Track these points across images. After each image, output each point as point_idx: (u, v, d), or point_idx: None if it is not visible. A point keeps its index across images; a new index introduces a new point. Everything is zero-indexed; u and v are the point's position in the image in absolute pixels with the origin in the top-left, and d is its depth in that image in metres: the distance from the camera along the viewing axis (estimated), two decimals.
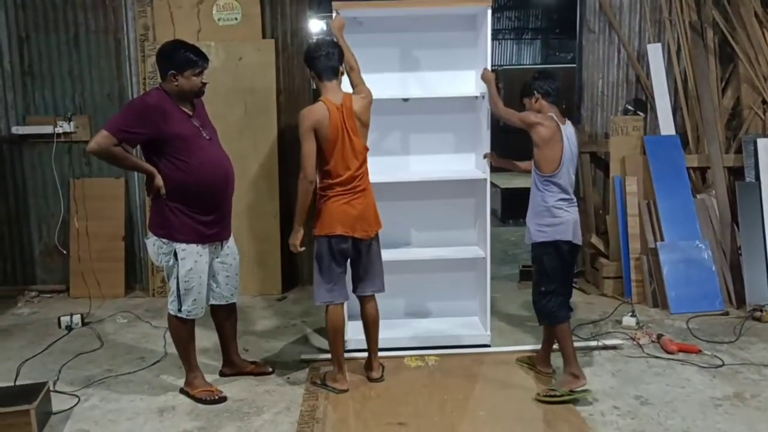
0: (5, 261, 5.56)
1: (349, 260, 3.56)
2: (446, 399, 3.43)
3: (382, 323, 3.70)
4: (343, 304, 3.56)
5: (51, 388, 3.44)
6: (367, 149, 3.51)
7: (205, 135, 3.38)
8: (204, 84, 3.37)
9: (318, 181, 3.44)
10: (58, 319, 4.62)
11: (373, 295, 3.63)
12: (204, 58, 3.36)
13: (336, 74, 3.45)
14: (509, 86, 11.91)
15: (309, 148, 3.33)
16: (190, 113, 3.37)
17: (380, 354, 3.74)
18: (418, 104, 4.22)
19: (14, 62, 5.35)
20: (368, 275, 3.59)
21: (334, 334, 3.54)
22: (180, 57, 3.29)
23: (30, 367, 3.94)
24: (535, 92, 3.47)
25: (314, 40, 3.56)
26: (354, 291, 3.65)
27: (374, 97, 4.08)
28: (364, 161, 3.50)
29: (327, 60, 3.41)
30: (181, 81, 3.30)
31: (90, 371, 3.88)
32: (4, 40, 5.32)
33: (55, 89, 5.38)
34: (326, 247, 3.46)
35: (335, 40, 3.60)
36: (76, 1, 5.30)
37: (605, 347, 4.06)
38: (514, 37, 20.20)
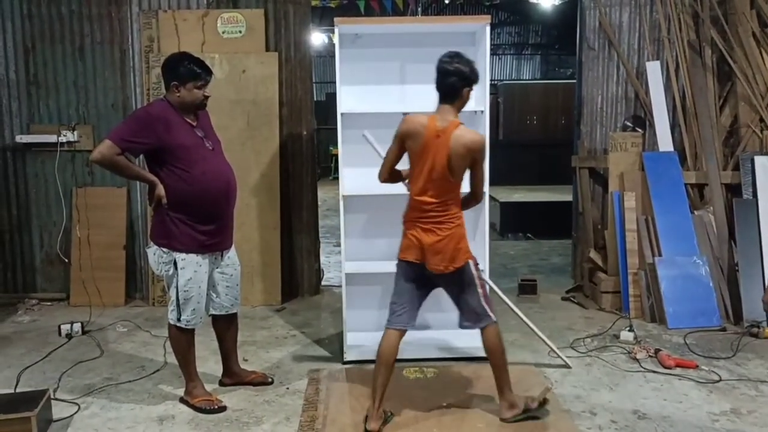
0: (6, 269, 5.58)
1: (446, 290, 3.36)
2: (445, 411, 3.45)
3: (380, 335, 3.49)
4: (396, 331, 3.30)
5: (51, 396, 3.45)
6: (452, 183, 3.18)
7: (207, 145, 3.42)
8: (206, 97, 3.41)
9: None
10: (59, 327, 4.64)
11: (484, 327, 3.35)
12: (207, 72, 3.40)
13: (451, 99, 3.17)
14: (509, 100, 12.04)
15: (390, 150, 3.30)
16: (194, 123, 3.41)
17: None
18: None
19: (19, 72, 5.40)
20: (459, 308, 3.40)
21: (376, 360, 3.28)
22: (183, 69, 3.34)
23: (30, 375, 3.95)
24: None
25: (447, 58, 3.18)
26: None
27: (374, 110, 4.11)
28: (446, 193, 3.19)
29: (443, 78, 3.16)
30: (183, 92, 3.34)
31: (90, 379, 3.89)
32: (10, 49, 5.38)
33: (60, 99, 5.43)
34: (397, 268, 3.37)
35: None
36: (82, 13, 5.36)
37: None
38: (514, 53, 20.43)
